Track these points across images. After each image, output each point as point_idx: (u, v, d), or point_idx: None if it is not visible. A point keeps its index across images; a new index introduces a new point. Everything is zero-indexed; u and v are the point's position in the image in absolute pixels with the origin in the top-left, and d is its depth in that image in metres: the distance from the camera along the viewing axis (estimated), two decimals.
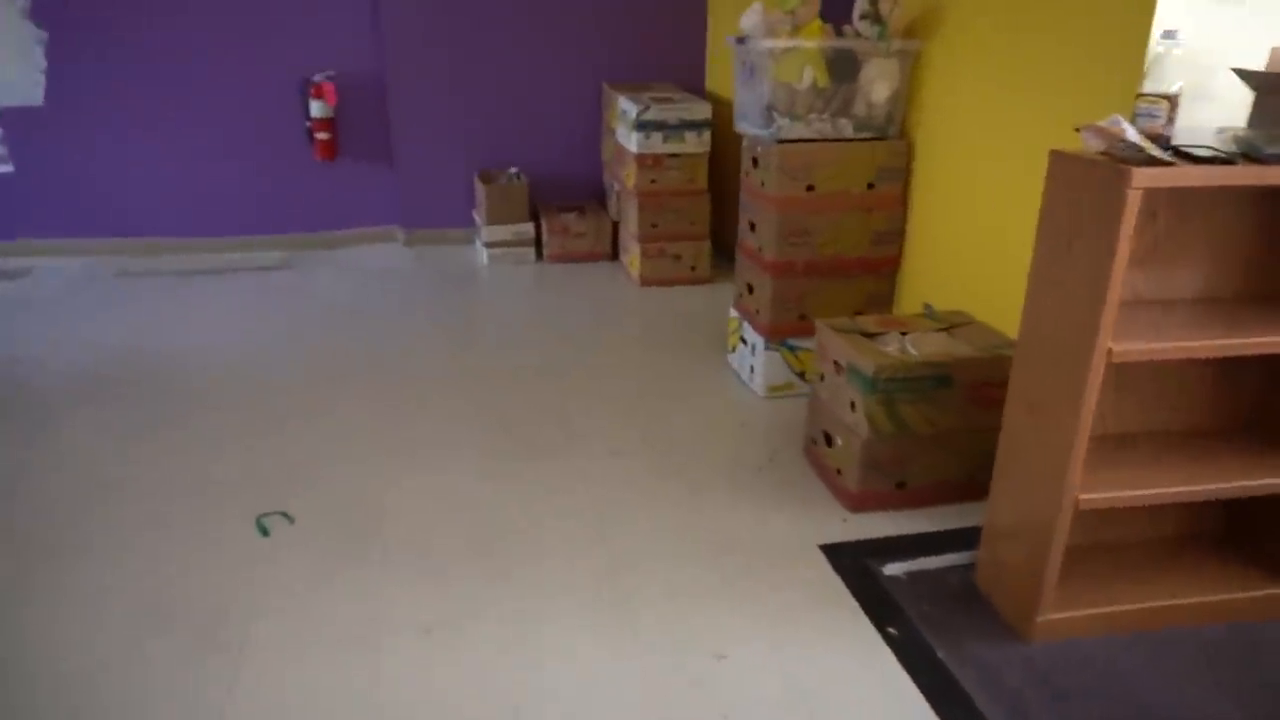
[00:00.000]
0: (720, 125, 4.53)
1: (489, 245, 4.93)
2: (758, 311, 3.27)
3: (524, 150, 5.21)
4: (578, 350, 3.80)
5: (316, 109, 4.85)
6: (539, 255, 5.05)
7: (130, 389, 3.37)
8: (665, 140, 4.41)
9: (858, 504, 2.58)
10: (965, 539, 2.43)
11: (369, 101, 5.01)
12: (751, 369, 3.36)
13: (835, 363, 2.63)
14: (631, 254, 4.65)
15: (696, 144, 4.47)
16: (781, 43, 2.89)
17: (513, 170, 5.11)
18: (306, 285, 4.62)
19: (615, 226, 5.01)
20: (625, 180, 4.62)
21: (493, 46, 4.96)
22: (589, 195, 5.41)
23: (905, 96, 3.04)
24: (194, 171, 4.91)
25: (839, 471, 2.64)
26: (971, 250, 2.87)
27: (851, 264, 3.18)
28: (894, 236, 3.18)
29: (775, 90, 2.99)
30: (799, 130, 3.01)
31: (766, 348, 3.24)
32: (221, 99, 4.82)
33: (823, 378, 2.74)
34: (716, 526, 2.53)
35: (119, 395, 3.32)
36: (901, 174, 3.11)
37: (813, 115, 3.02)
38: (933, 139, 3.02)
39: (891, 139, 3.09)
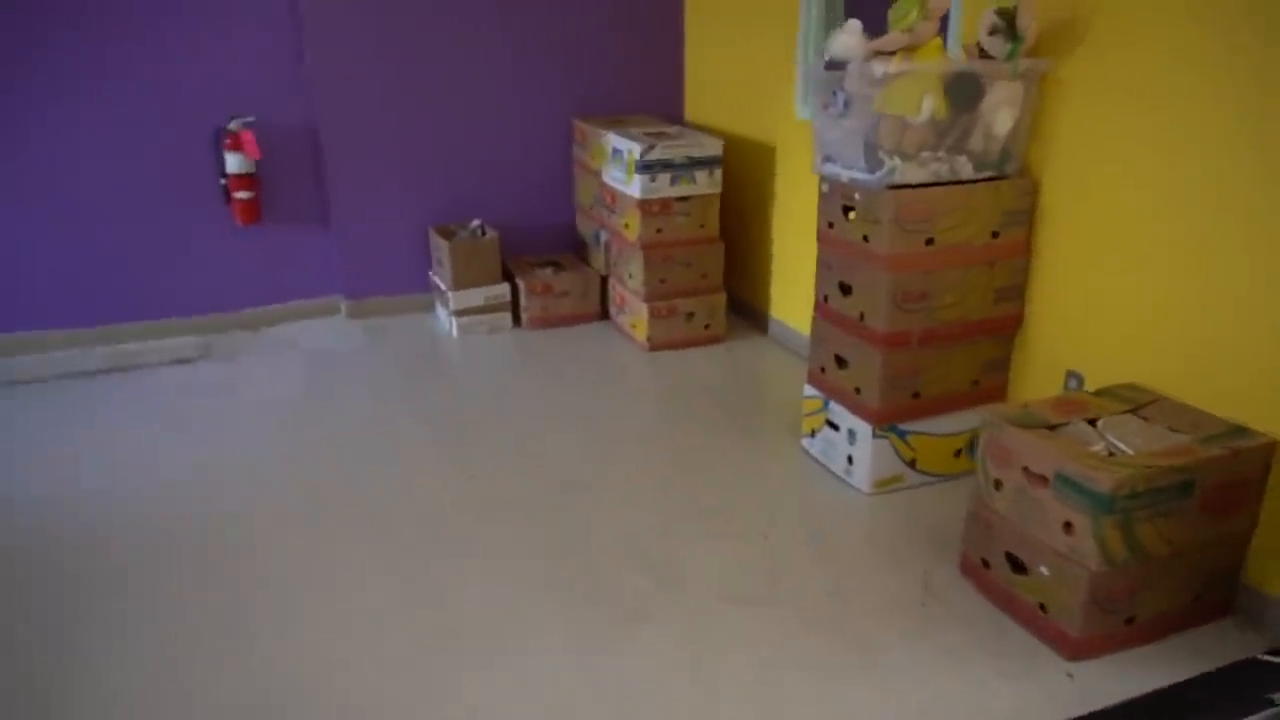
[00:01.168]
0: (729, 162, 3.95)
1: (458, 313, 4.16)
2: (858, 391, 2.68)
3: (484, 199, 4.48)
4: (608, 446, 3.11)
5: (234, 163, 3.98)
6: (516, 320, 4.32)
7: None
8: (674, 182, 3.78)
9: (1081, 650, 2.01)
10: (1237, 686, 1.89)
11: (297, 150, 4.17)
12: (849, 460, 2.76)
13: (1029, 471, 2.06)
14: (635, 315, 3.99)
15: (708, 184, 3.86)
16: (900, 66, 2.31)
17: (475, 223, 4.36)
18: (235, 379, 3.72)
19: (604, 281, 4.34)
20: (623, 230, 3.97)
21: (441, 81, 4.22)
22: (563, 246, 4.72)
23: (1028, 126, 2.53)
24: (83, 245, 3.94)
25: (1043, 608, 2.06)
26: (1124, 309, 2.37)
27: (973, 328, 2.63)
28: (1017, 292, 2.66)
29: (883, 125, 2.41)
30: (913, 173, 2.45)
31: (875, 435, 2.65)
32: (113, 155, 3.88)
33: (998, 485, 2.16)
34: (926, 710, 1.90)
35: None
36: (1026, 218, 2.59)
37: (925, 153, 2.46)
38: (1064, 176, 2.51)
39: (1013, 177, 2.57)
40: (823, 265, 2.77)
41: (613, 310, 4.28)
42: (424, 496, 2.79)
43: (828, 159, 2.65)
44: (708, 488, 2.81)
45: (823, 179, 2.70)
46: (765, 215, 4.01)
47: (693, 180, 3.81)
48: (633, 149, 3.72)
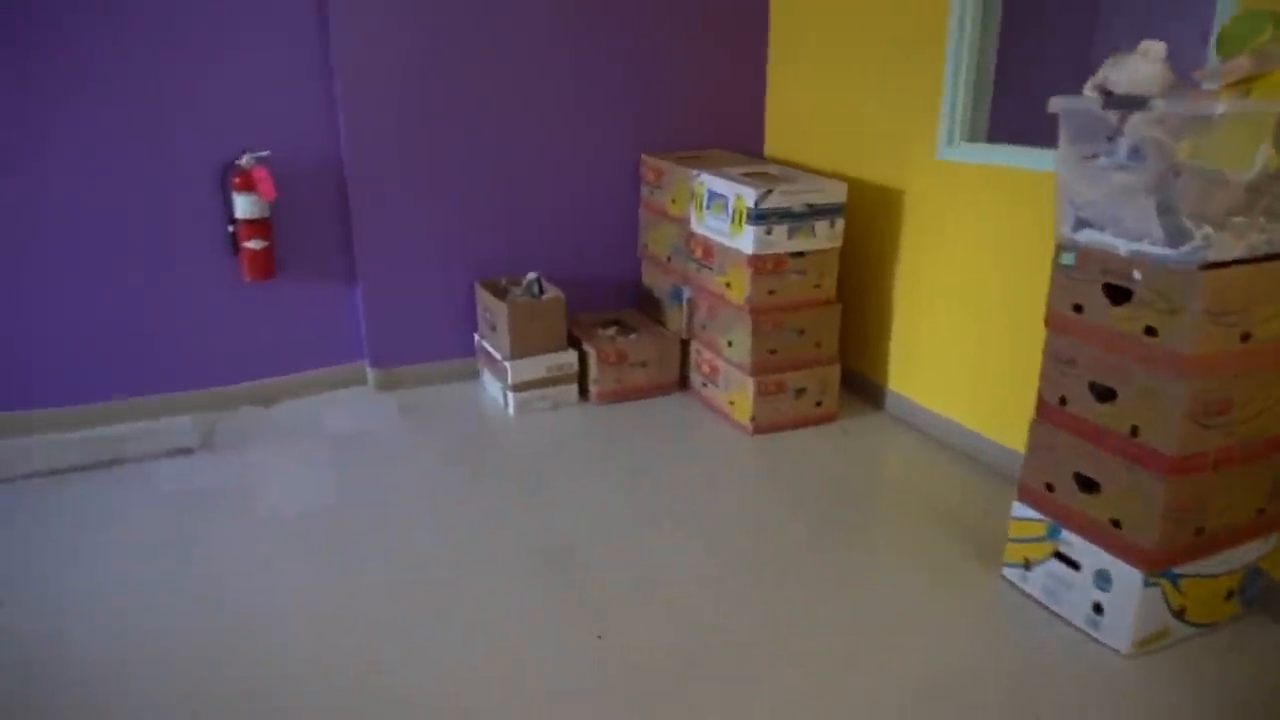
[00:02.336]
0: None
1: (516, 388, 3.46)
2: (1118, 524, 2.05)
3: (537, 248, 3.80)
4: (748, 575, 2.44)
5: (244, 206, 3.26)
6: (582, 392, 3.64)
7: None
8: (791, 235, 3.14)
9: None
10: None
11: (319, 191, 3.46)
12: (1097, 609, 2.13)
13: None
14: (735, 390, 3.33)
15: (828, 237, 3.23)
16: (1232, 104, 1.70)
17: (531, 276, 3.67)
18: (246, 479, 2.97)
19: (685, 346, 3.68)
20: (723, 290, 3.31)
21: (489, 109, 3.55)
22: (625, 301, 4.05)
23: None
24: (61, 308, 3.17)
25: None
26: None
27: (1274, 443, 2.03)
28: None
29: (1186, 183, 1.80)
30: (1228, 246, 1.84)
31: (1146, 584, 2.02)
32: (99, 194, 3.13)
33: None
34: None
35: None
36: None
37: (1237, 219, 1.86)
38: None
39: None
40: (1058, 359, 2.15)
41: (696, 380, 3.62)
42: (540, 670, 2.08)
43: (1084, 224, 2.03)
44: (906, 641, 2.16)
45: (1065, 248, 2.08)
46: (886, 272, 3.39)
47: (812, 233, 3.18)
48: (743, 194, 3.08)
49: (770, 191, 3.05)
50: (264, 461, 3.10)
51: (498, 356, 3.52)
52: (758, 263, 3.12)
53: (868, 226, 3.42)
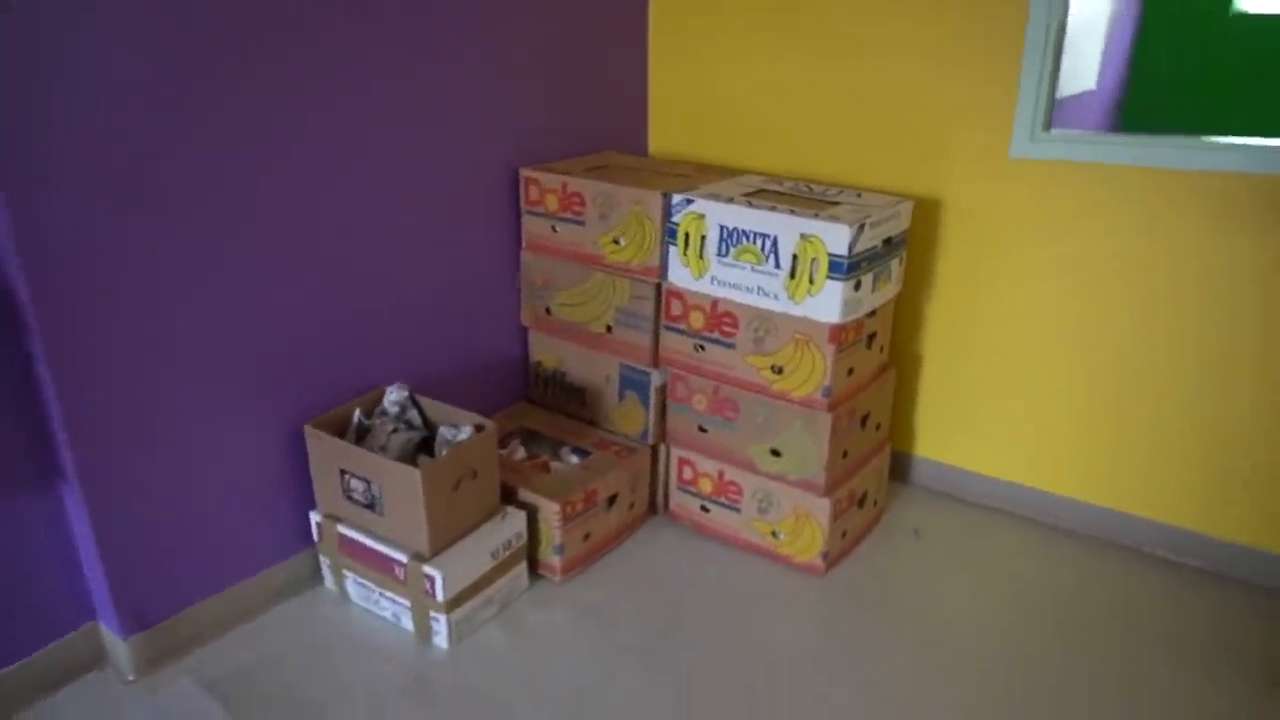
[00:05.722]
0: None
1: (452, 606, 1.95)
2: None
3: (374, 345, 2.22)
4: None
5: None
6: (533, 571, 2.22)
7: None
8: (875, 287, 2.09)
9: None
10: None
11: None
12: None
13: None
14: (791, 516, 2.22)
15: (897, 280, 2.24)
16: None
17: (394, 396, 2.12)
18: None
19: (654, 455, 2.44)
20: (772, 379, 2.14)
21: (273, 138, 1.88)
22: (505, 395, 2.63)
23: None
24: None
25: None
26: None
27: None
28: None
29: None
30: None
31: None
32: None
33: None
34: None
35: None
36: None
37: None
38: None
39: None
40: None
41: (685, 503, 2.42)
42: None
43: None
44: None
45: None
46: (909, 305, 2.52)
47: (889, 278, 2.17)
48: (818, 234, 1.95)
49: (861, 228, 1.96)
50: None
51: (396, 557, 1.95)
52: (842, 335, 2.03)
53: None
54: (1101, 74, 3.84)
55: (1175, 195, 2.08)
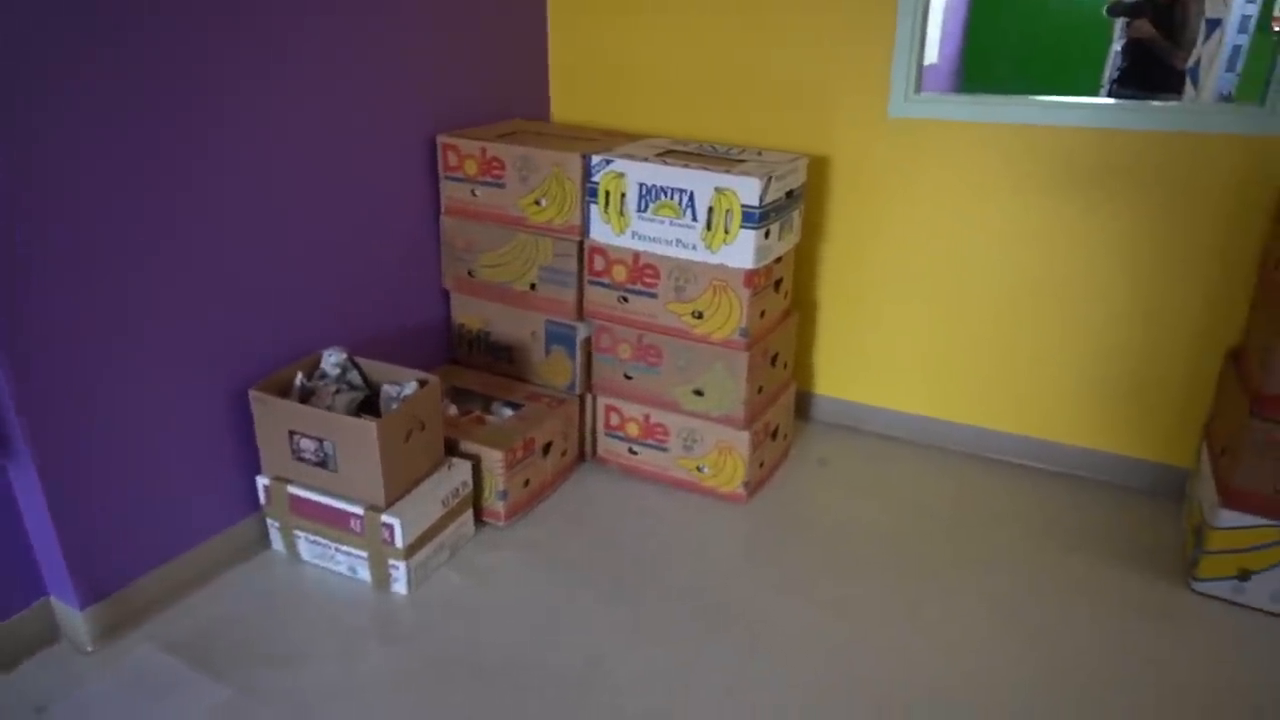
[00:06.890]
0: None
1: (410, 553, 2.05)
2: None
3: (304, 307, 2.27)
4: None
5: None
6: (478, 519, 2.34)
7: None
8: (781, 235, 2.31)
9: None
10: None
11: None
12: None
13: None
14: (715, 451, 2.43)
15: (796, 231, 2.46)
16: None
17: (333, 359, 2.19)
18: None
19: (580, 404, 2.59)
20: (693, 323, 2.33)
21: (199, 109, 1.91)
22: (431, 357, 2.72)
23: None
24: None
25: None
26: None
27: None
28: None
29: None
30: None
31: None
32: None
33: None
34: None
35: None
36: None
37: None
38: None
39: None
40: None
41: (614, 447, 2.59)
42: None
43: None
44: (1146, 693, 1.75)
45: None
46: (805, 255, 2.76)
47: (791, 228, 2.39)
48: (733, 187, 2.14)
49: (768, 181, 2.17)
50: None
51: (353, 510, 2.03)
52: (755, 279, 2.24)
53: None
54: (941, 49, 4.22)
55: (1026, 145, 2.39)
